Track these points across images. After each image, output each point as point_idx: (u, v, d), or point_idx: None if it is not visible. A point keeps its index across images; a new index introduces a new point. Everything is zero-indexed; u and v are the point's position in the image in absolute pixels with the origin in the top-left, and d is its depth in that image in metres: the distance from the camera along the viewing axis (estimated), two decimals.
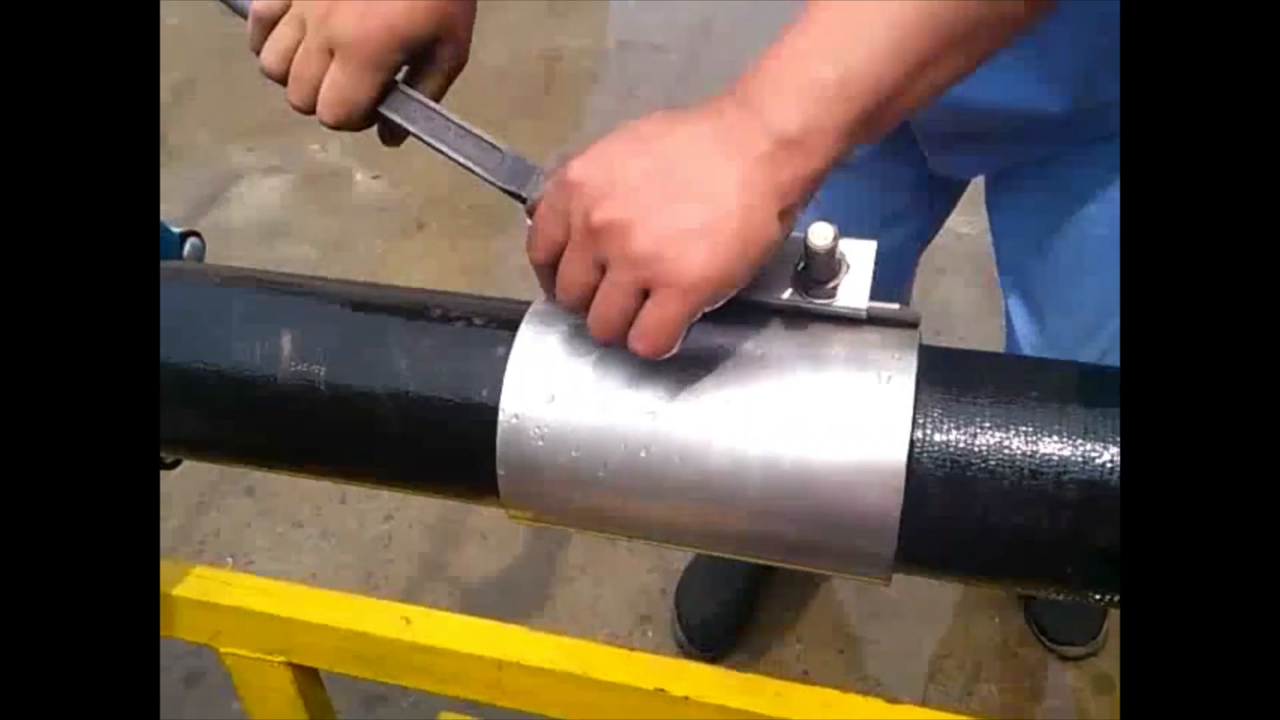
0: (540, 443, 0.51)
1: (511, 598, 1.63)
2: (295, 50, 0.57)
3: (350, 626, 0.76)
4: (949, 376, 0.50)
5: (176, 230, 0.68)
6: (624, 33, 3.04)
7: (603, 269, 0.47)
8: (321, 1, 0.56)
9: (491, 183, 0.56)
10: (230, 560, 1.69)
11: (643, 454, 0.50)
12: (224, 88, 2.80)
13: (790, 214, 0.47)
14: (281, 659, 0.80)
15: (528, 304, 0.55)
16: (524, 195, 0.56)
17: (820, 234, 0.48)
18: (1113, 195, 0.91)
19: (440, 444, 0.54)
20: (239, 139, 2.64)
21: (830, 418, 0.48)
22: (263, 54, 0.59)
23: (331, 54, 0.56)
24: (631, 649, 0.74)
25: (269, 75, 0.59)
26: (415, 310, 0.56)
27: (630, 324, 0.47)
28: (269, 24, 0.58)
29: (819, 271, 0.50)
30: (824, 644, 1.56)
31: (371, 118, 0.59)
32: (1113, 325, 0.99)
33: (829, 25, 0.46)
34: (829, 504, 0.48)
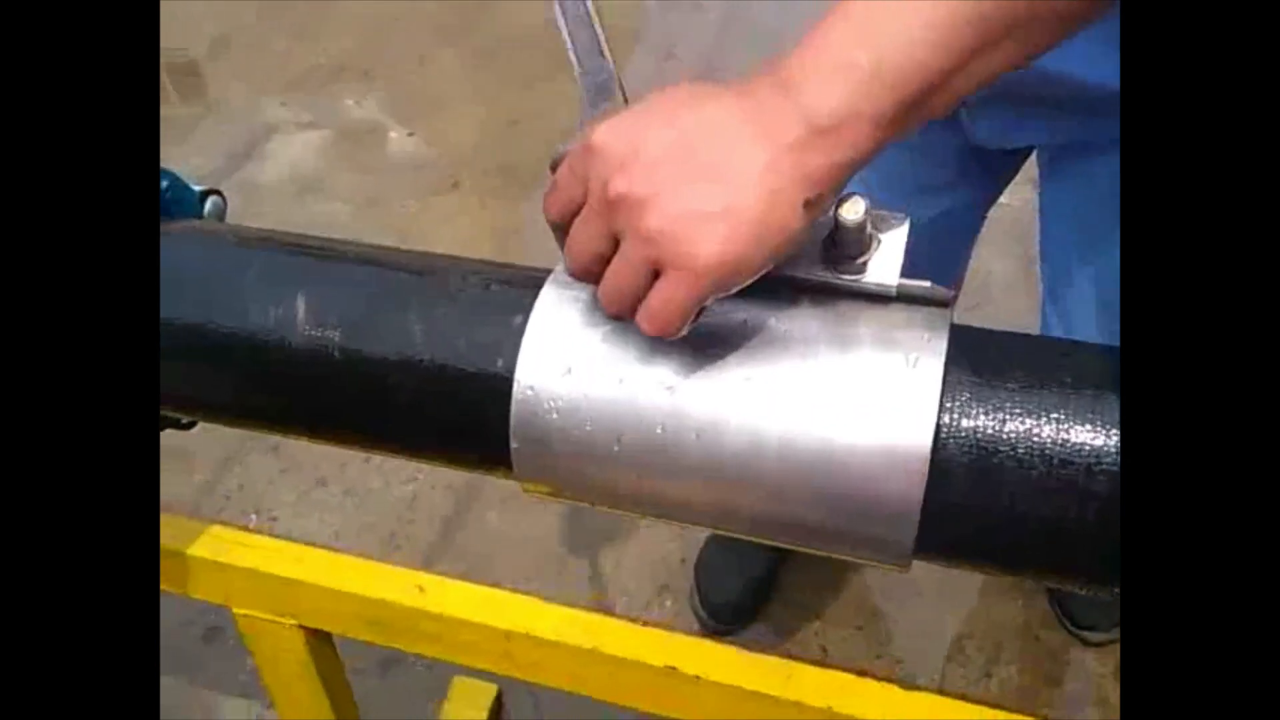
0: (554, 416, 0.50)
1: (531, 563, 1.63)
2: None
3: (363, 592, 0.76)
4: (979, 359, 0.48)
5: (197, 188, 0.66)
6: None
7: (616, 241, 0.46)
8: None
9: (579, 82, 0.55)
10: (254, 517, 1.70)
11: (659, 430, 0.48)
12: (259, 42, 2.79)
13: (817, 203, 0.45)
14: (293, 621, 0.80)
15: (549, 272, 0.53)
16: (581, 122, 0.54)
17: (851, 208, 0.46)
18: None
19: (454, 414, 0.53)
20: (273, 93, 2.63)
21: (854, 399, 0.47)
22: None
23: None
24: (644, 623, 0.73)
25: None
26: (432, 276, 0.55)
27: (640, 301, 0.46)
28: None
29: (849, 247, 0.48)
30: (843, 621, 1.55)
31: None
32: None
33: (873, 12, 0.44)
34: (848, 488, 0.47)
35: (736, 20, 2.78)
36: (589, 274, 0.48)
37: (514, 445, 0.51)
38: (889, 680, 0.69)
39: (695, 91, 0.46)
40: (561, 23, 0.56)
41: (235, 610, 0.82)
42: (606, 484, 0.51)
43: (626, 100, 0.55)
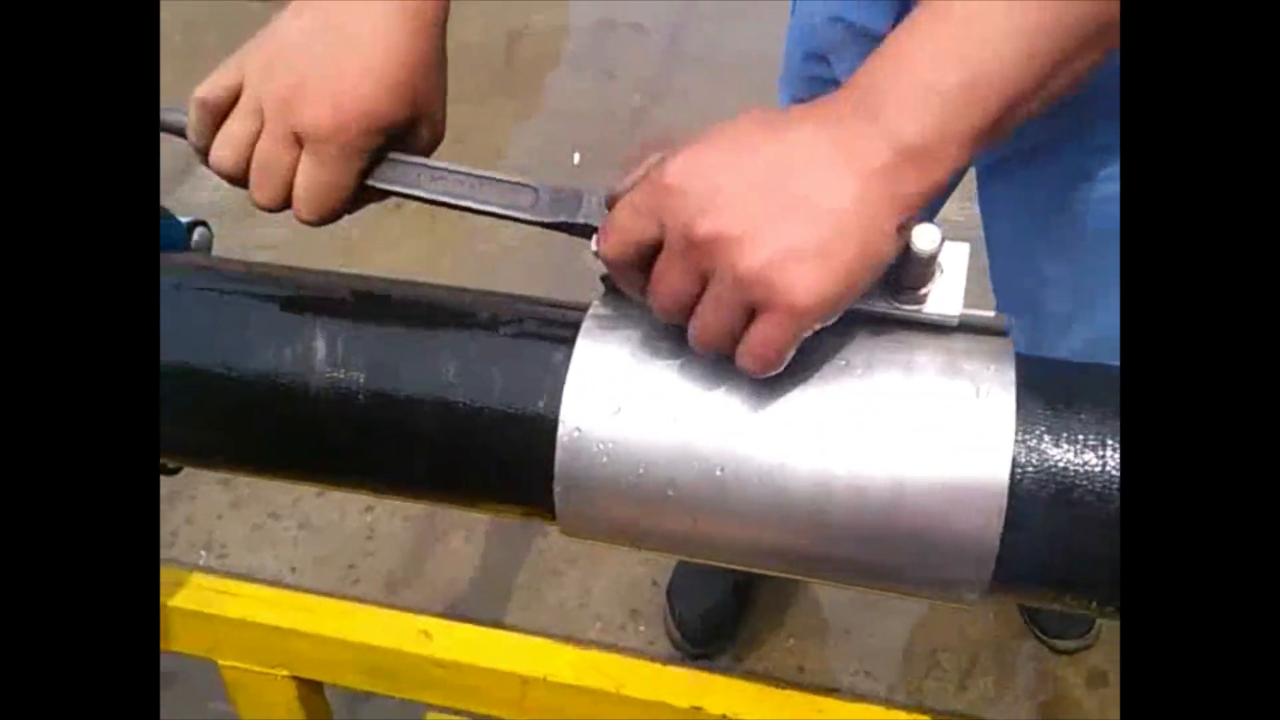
0: (605, 460, 0.47)
1: (498, 592, 1.59)
2: (253, 144, 0.51)
3: (365, 640, 0.72)
4: (1046, 388, 0.47)
5: (184, 219, 0.62)
6: (603, 11, 2.97)
7: (704, 280, 0.44)
8: (278, 86, 0.50)
9: (533, 223, 0.51)
10: (204, 554, 1.63)
11: (718, 473, 0.46)
12: (186, 64, 2.70)
13: (908, 227, 0.44)
14: (285, 673, 0.76)
15: (585, 306, 0.50)
16: (578, 221, 0.50)
17: (926, 237, 0.44)
18: (1099, 188, 0.87)
19: (492, 460, 0.49)
20: None
21: (924, 434, 0.45)
22: (214, 151, 0.52)
23: (301, 145, 0.50)
24: (665, 663, 0.70)
25: (224, 175, 0.53)
26: (462, 312, 0.51)
27: (736, 339, 0.44)
28: (218, 115, 0.52)
29: (914, 277, 0.47)
30: (817, 637, 1.54)
31: (355, 204, 0.53)
32: (1084, 324, 0.96)
33: (952, 26, 0.43)
34: (922, 527, 0.45)
35: (680, 43, 2.78)
36: (682, 313, 0.45)
37: (558, 490, 0.48)
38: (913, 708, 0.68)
39: (769, 119, 0.44)
40: (464, 205, 0.51)
41: (221, 663, 0.77)
42: (663, 529, 0.48)
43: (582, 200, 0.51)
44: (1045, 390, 0.47)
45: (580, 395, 0.47)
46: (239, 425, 0.51)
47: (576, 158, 2.40)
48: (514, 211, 0.51)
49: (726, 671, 1.49)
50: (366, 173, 0.52)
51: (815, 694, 0.70)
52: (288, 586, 1.60)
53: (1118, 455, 0.44)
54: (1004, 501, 0.44)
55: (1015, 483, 0.44)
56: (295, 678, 0.76)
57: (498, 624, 1.55)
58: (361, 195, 0.53)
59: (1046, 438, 0.45)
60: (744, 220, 0.42)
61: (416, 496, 0.53)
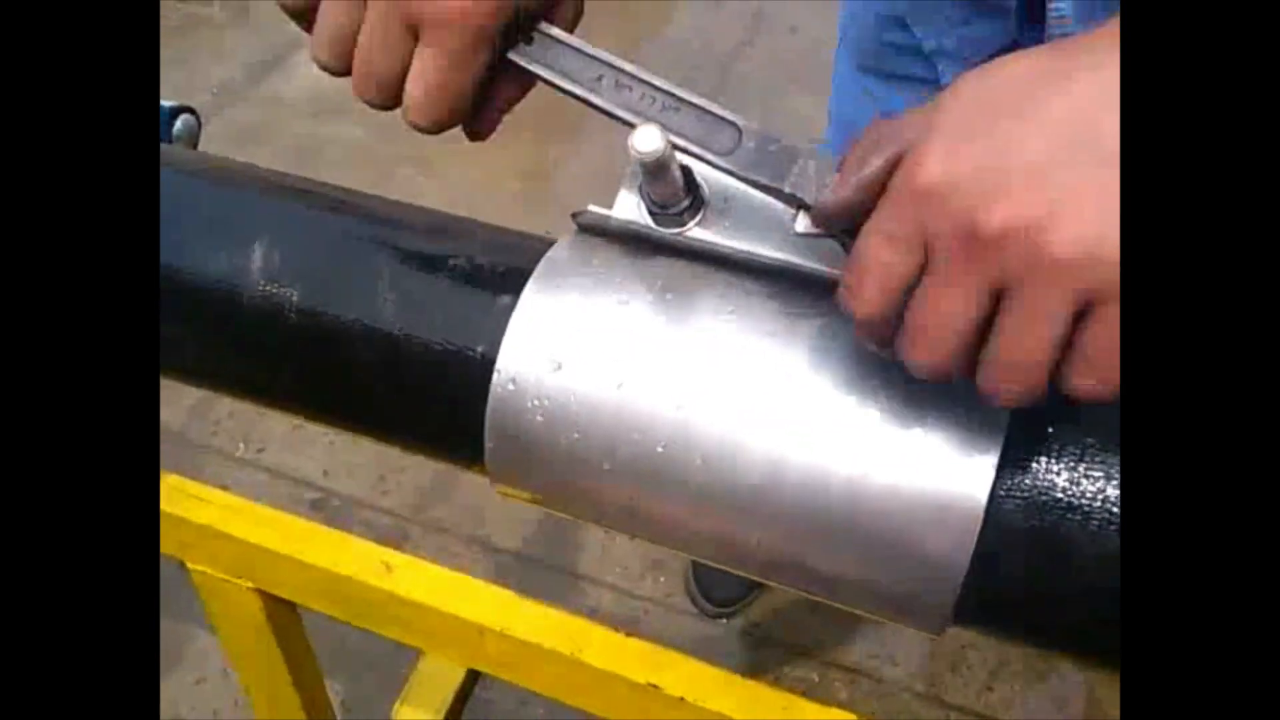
0: (539, 418, 0.42)
1: (523, 525, 1.57)
2: (356, 28, 0.42)
3: (325, 565, 0.69)
4: (1053, 399, 0.40)
5: (167, 104, 0.58)
6: None
7: (997, 299, 0.33)
8: None
9: (724, 169, 0.41)
10: (242, 446, 1.64)
11: (659, 449, 0.41)
12: None
13: None
14: (250, 584, 0.74)
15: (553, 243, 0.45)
16: (783, 189, 0.40)
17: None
18: None
19: (423, 399, 0.45)
20: None
21: (897, 436, 0.39)
22: (314, 36, 0.43)
23: (416, 36, 0.41)
24: (628, 633, 0.66)
25: (327, 69, 0.44)
26: (414, 234, 0.47)
27: (1057, 362, 0.33)
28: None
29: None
30: (842, 624, 1.48)
31: (478, 105, 0.44)
32: None
33: None
34: (882, 536, 0.39)
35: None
36: (960, 364, 0.35)
37: (489, 444, 0.43)
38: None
39: (1040, 67, 0.33)
40: (623, 116, 0.42)
41: (189, 565, 0.76)
42: (594, 500, 0.43)
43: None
44: (1054, 402, 0.40)
45: (520, 345, 0.42)
46: (167, 327, 0.48)
47: None
48: (707, 152, 0.41)
49: (741, 636, 1.45)
50: (494, 67, 0.43)
51: (791, 690, 0.65)
52: (320, 489, 1.61)
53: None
54: (977, 523, 0.38)
55: (994, 506, 0.38)
56: (260, 591, 0.74)
57: (516, 555, 1.53)
58: (502, 93, 0.44)
59: (1039, 458, 0.39)
60: (1047, 197, 0.31)
61: (345, 427, 0.49)
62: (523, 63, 0.43)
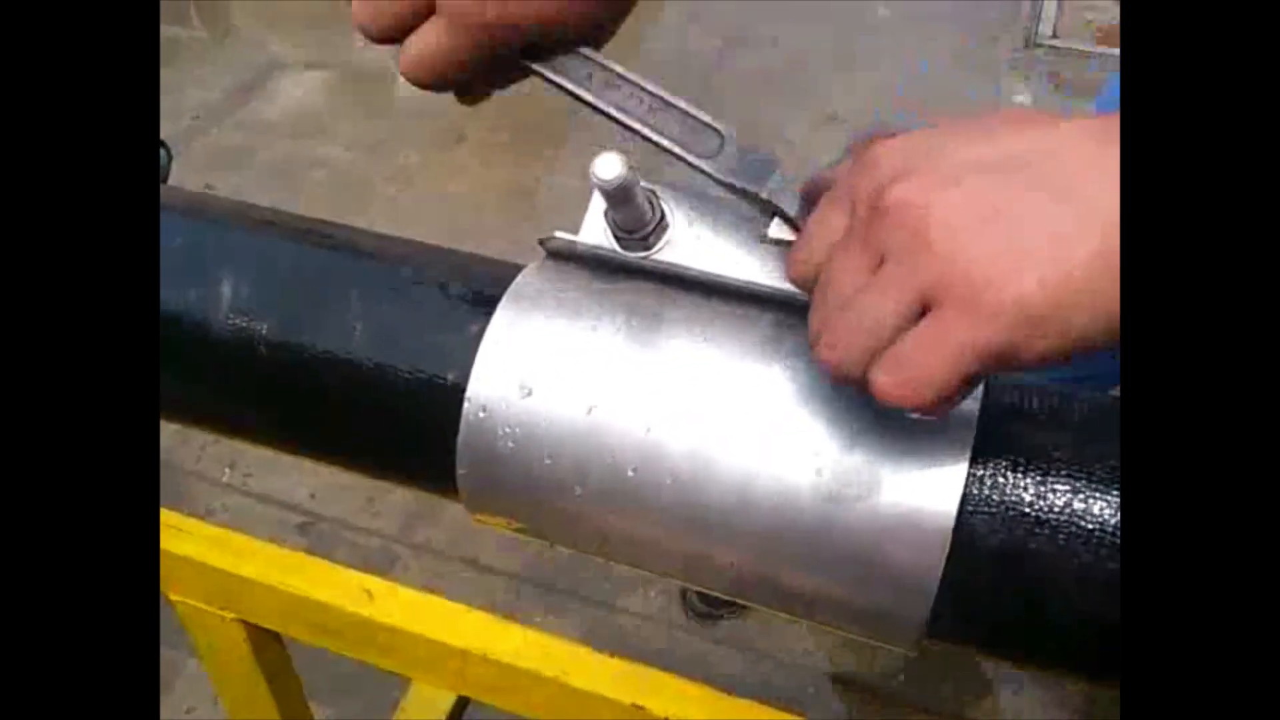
0: (510, 444, 0.42)
1: (509, 551, 1.56)
2: None
3: (306, 593, 0.69)
4: (1018, 417, 0.41)
5: None
6: None
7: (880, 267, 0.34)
8: None
9: (705, 173, 0.42)
10: (228, 471, 1.64)
11: (630, 473, 0.41)
12: None
13: None
14: (232, 615, 0.73)
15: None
16: (760, 194, 0.41)
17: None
18: None
19: (395, 428, 0.45)
20: (285, 28, 2.54)
21: (865, 453, 0.39)
22: None
23: (431, 8, 0.41)
24: (613, 651, 0.66)
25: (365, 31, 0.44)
26: (382, 264, 0.47)
27: (880, 349, 0.34)
28: None
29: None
30: (834, 636, 1.48)
31: (487, 79, 0.44)
32: None
33: None
34: (853, 555, 0.39)
35: None
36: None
37: (461, 471, 0.43)
38: None
39: (1029, 115, 0.34)
40: (629, 124, 0.42)
41: (172, 597, 0.75)
42: (567, 525, 0.43)
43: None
44: (1016, 418, 0.40)
45: (490, 372, 0.42)
46: None
47: None
48: (689, 154, 0.42)
49: (732, 651, 1.45)
50: (504, 57, 0.43)
51: (780, 707, 0.65)
52: (307, 513, 1.61)
53: (1094, 503, 0.38)
54: (946, 542, 0.38)
55: (964, 522, 0.38)
56: (243, 621, 0.74)
57: (507, 573, 1.53)
58: (498, 71, 0.44)
59: (1009, 473, 0.39)
60: (952, 187, 0.32)
61: (319, 458, 0.49)
62: (536, 67, 0.44)
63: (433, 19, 0.41)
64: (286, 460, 1.65)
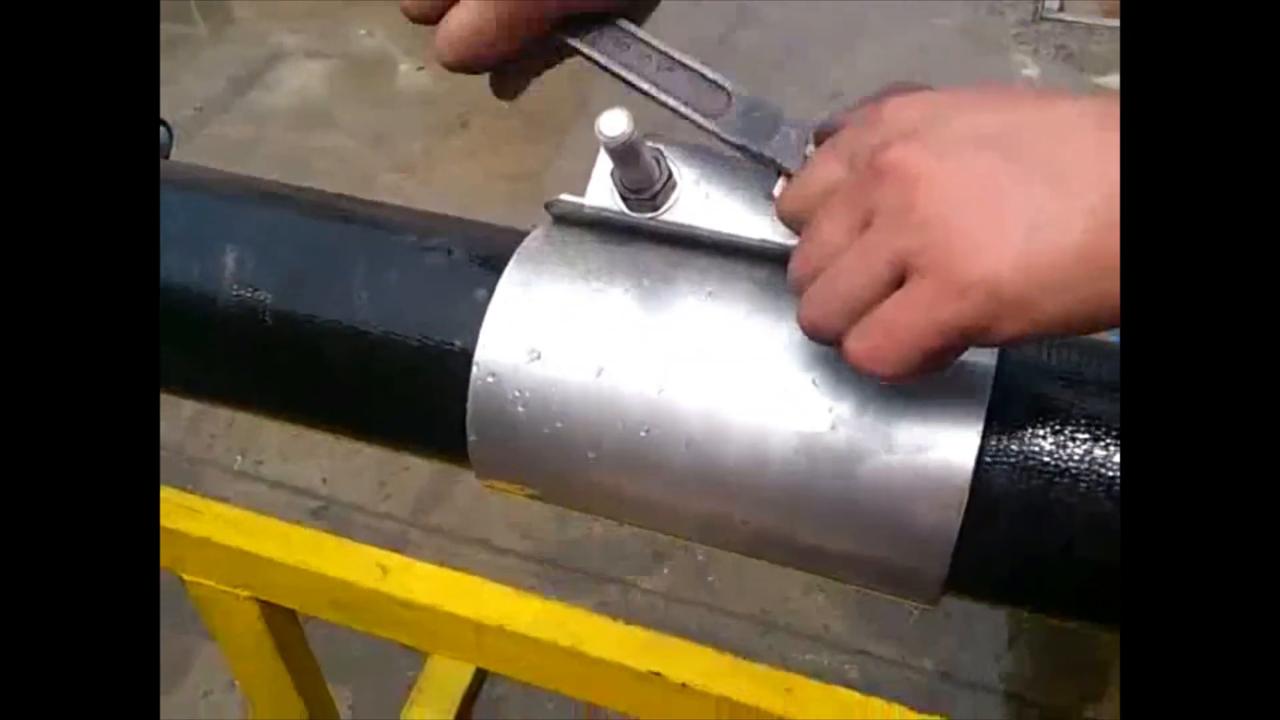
0: (520, 409, 0.42)
1: (526, 521, 1.56)
2: None
3: (321, 570, 0.69)
4: (1036, 365, 0.40)
5: None
6: None
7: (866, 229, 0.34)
8: None
9: (711, 132, 0.41)
10: (240, 458, 1.64)
11: (643, 434, 0.40)
12: None
13: None
14: (247, 593, 0.73)
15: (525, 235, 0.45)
16: (763, 152, 0.41)
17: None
18: None
19: (403, 398, 0.45)
20: (285, 18, 2.53)
21: (880, 407, 0.38)
22: None
23: None
24: (628, 622, 0.66)
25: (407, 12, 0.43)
26: (387, 233, 0.46)
27: (857, 316, 0.34)
28: None
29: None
30: (849, 595, 1.48)
31: (512, 63, 0.43)
32: None
33: None
34: (870, 511, 0.39)
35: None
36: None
37: (472, 438, 0.43)
38: (896, 701, 0.62)
39: (1027, 92, 0.35)
40: (639, 85, 0.42)
41: (186, 577, 0.75)
42: (580, 488, 0.43)
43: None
44: (1034, 366, 0.40)
45: (498, 337, 0.42)
46: None
47: None
48: (694, 113, 0.41)
49: (748, 624, 1.45)
50: (542, 34, 0.42)
51: (788, 669, 0.65)
52: (320, 498, 1.61)
53: (1111, 452, 0.38)
54: (965, 493, 0.38)
55: (982, 471, 0.38)
56: (258, 600, 0.74)
57: (519, 554, 1.53)
58: (536, 52, 0.43)
59: (1028, 422, 0.38)
60: (948, 157, 0.32)
61: (329, 429, 0.48)
62: (573, 43, 0.42)
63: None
64: (298, 446, 1.66)
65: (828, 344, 0.36)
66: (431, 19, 0.41)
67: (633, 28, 0.42)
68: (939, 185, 0.32)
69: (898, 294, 0.33)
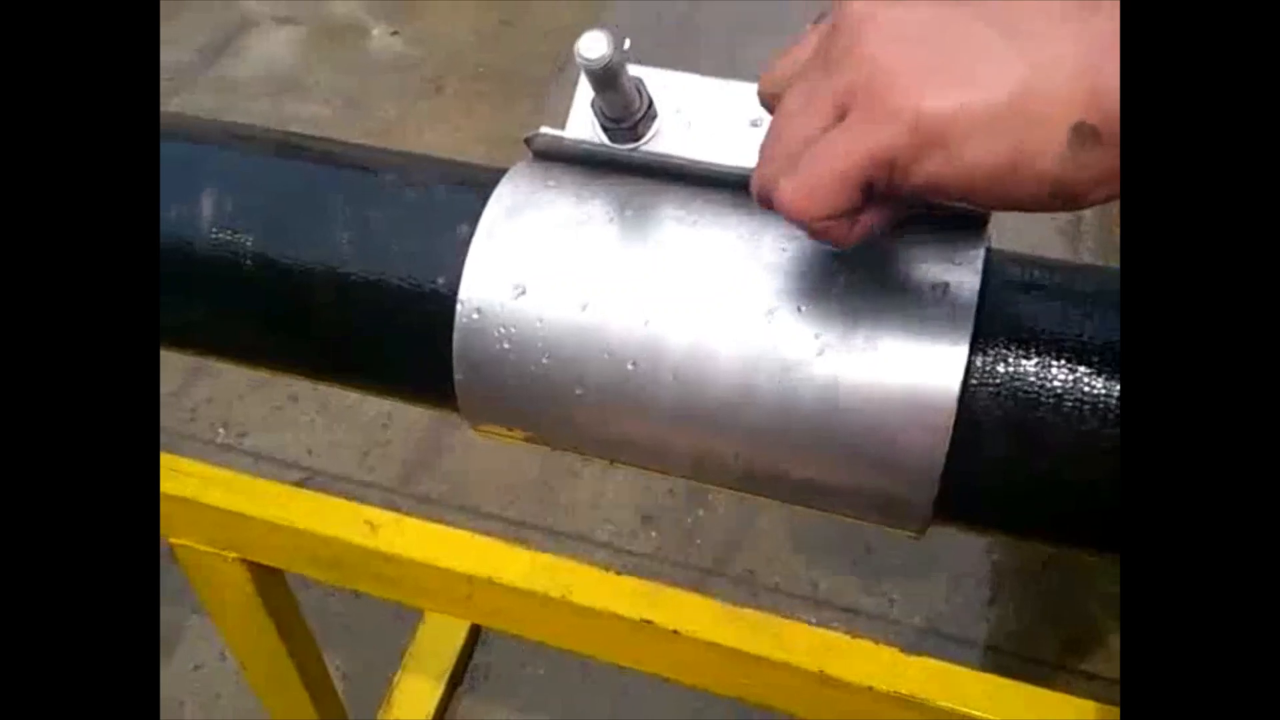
0: (505, 345, 0.41)
1: (511, 488, 1.56)
2: None
3: (310, 528, 0.69)
4: (1020, 290, 0.40)
5: None
6: None
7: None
8: None
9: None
10: (222, 431, 1.63)
11: (630, 367, 0.40)
12: None
13: (1083, 135, 0.31)
14: (235, 555, 0.73)
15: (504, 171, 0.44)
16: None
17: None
18: None
19: (387, 338, 0.44)
20: None
21: (866, 334, 0.38)
22: None
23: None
24: (618, 573, 0.66)
25: None
26: (366, 172, 0.46)
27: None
28: None
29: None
30: (836, 554, 1.49)
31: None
32: None
33: None
34: (856, 438, 0.39)
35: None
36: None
37: (458, 377, 0.43)
38: (885, 643, 0.62)
39: None
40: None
41: (171, 540, 0.75)
42: (568, 426, 0.43)
43: None
44: (1018, 292, 0.40)
45: (481, 274, 0.41)
46: None
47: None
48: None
49: (736, 584, 1.46)
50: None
51: (778, 614, 0.65)
52: (305, 469, 1.60)
53: (1096, 373, 0.38)
54: (951, 417, 0.38)
55: (968, 395, 0.38)
56: (245, 560, 0.74)
57: (506, 519, 1.53)
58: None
59: (1012, 346, 0.38)
60: (900, 4, 0.32)
61: (313, 376, 0.48)
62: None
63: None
64: (281, 417, 1.65)
65: (770, 205, 0.35)
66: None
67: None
68: (882, 27, 0.32)
69: (834, 130, 0.33)
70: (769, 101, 0.38)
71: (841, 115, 0.32)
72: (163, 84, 2.21)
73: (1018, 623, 1.42)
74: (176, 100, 2.19)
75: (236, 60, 2.31)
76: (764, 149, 0.36)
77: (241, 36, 2.36)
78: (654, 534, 1.52)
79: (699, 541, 1.52)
